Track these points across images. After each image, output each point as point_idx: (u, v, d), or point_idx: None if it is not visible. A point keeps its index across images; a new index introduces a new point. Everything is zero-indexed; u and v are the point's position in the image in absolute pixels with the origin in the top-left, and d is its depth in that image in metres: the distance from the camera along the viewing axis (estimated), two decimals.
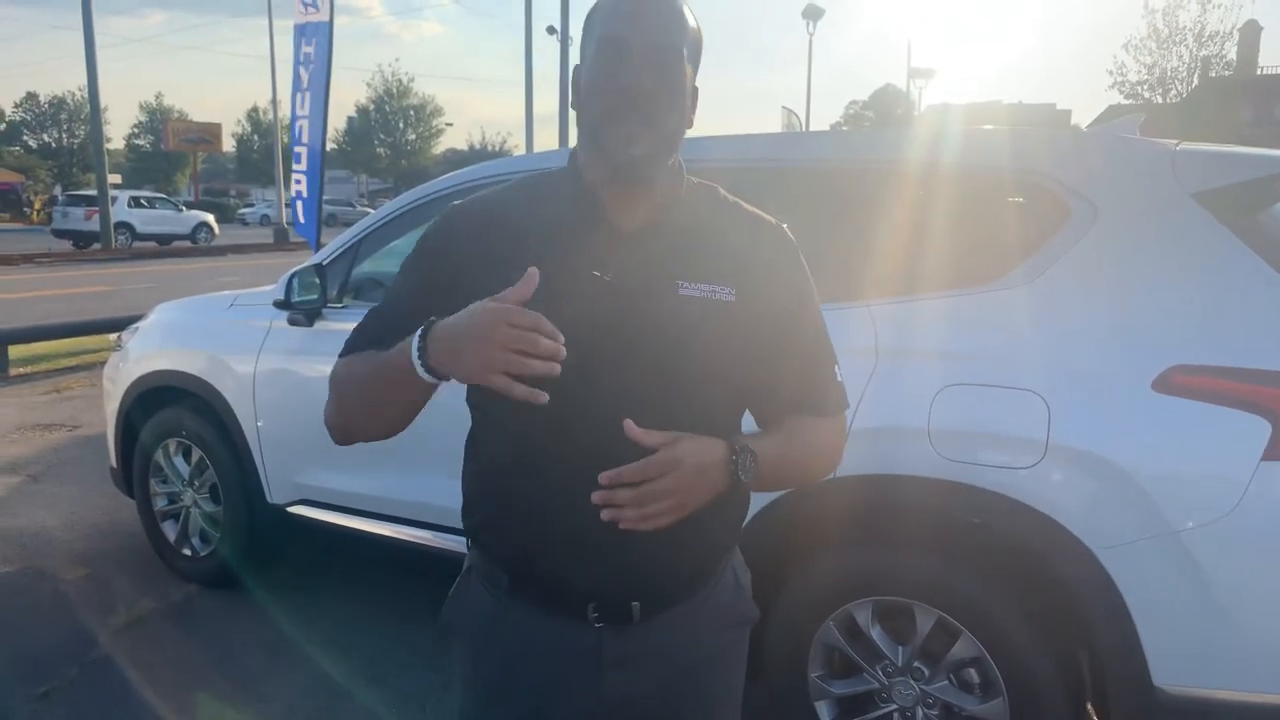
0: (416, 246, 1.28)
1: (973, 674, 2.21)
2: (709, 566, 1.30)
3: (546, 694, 1.26)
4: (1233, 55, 46.69)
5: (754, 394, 1.29)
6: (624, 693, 1.25)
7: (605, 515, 1.09)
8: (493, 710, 1.30)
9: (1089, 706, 2.21)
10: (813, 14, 32.20)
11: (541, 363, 0.99)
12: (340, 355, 1.28)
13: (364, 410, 1.23)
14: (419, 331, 1.08)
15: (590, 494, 1.09)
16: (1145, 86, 46.79)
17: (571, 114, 1.26)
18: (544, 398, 1.02)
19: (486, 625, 1.29)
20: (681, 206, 1.23)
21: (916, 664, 2.25)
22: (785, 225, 1.31)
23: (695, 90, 1.22)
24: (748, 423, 1.32)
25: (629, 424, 1.07)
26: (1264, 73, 47.27)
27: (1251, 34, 46.59)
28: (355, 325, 1.29)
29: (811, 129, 26.23)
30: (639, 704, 1.26)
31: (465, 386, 1.19)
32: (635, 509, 1.08)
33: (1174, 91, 46.00)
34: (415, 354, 1.07)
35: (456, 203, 1.29)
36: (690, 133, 1.28)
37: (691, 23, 1.19)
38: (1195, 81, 45.55)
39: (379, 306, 1.30)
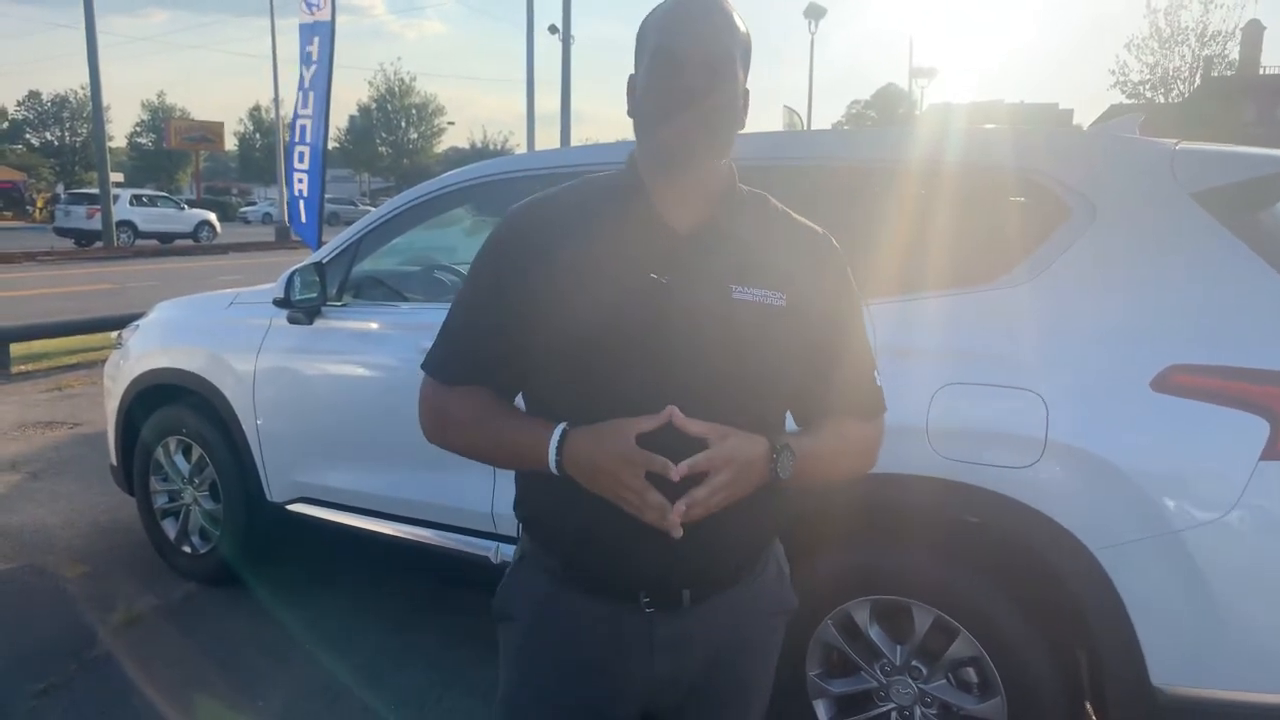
0: (484, 251, 1.32)
1: (971, 673, 2.21)
2: (755, 555, 1.36)
3: (602, 674, 1.31)
4: (1235, 55, 46.63)
5: (798, 396, 1.35)
6: (672, 671, 1.31)
7: (680, 511, 1.15)
8: (548, 691, 1.34)
9: (1087, 706, 2.21)
10: (815, 13, 32.20)
11: (657, 516, 1.15)
12: (426, 369, 1.34)
13: (482, 456, 1.34)
14: (556, 438, 1.20)
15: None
16: (1147, 86, 46.71)
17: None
18: (679, 532, 1.15)
19: (541, 610, 1.35)
20: (734, 212, 1.28)
21: (914, 663, 2.25)
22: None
23: (746, 92, 1.26)
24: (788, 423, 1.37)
25: (675, 412, 1.14)
26: (1266, 73, 47.21)
27: (1254, 34, 46.53)
28: (442, 340, 1.34)
29: (813, 128, 26.21)
30: (683, 682, 1.33)
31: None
32: (701, 505, 1.15)
33: (1176, 91, 45.93)
34: (553, 462, 1.20)
35: (517, 206, 1.33)
36: None
37: (741, 27, 1.24)
38: (1197, 81, 45.47)
39: (459, 321, 1.34)
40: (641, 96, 1.24)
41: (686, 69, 1.18)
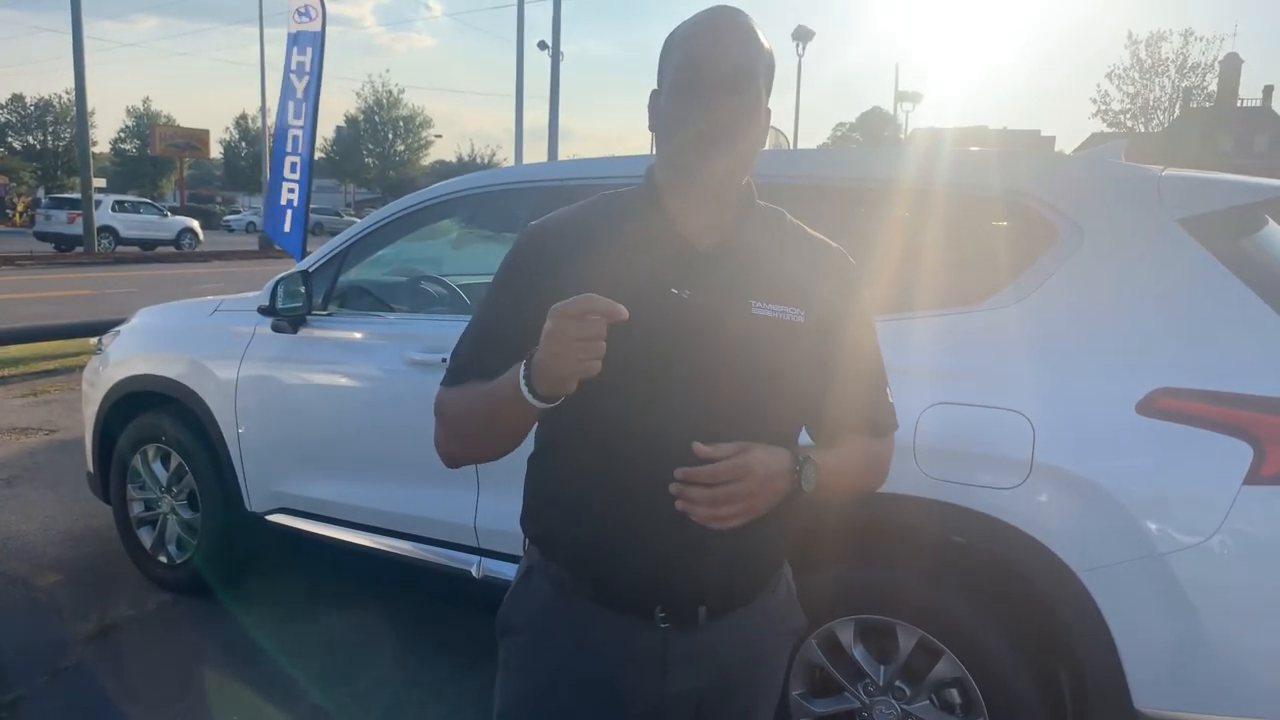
0: (503, 268, 1.32)
1: (954, 694, 2.20)
2: (771, 572, 1.36)
3: (611, 690, 1.30)
4: (1214, 87, 47.54)
5: (814, 411, 1.35)
6: (684, 689, 1.30)
7: (679, 505, 1.13)
8: (552, 706, 1.32)
9: None
10: (802, 36, 32.49)
11: (597, 352, 1.05)
12: (444, 384, 1.33)
13: (476, 436, 1.29)
14: (525, 360, 1.13)
15: (661, 503, 1.14)
16: (1128, 115, 47.53)
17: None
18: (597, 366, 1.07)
19: (550, 621, 1.33)
20: (752, 227, 1.28)
21: (898, 683, 2.25)
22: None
23: (768, 111, 1.26)
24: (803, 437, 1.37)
25: (698, 446, 1.12)
26: (1244, 104, 48.12)
27: (1232, 66, 47.45)
28: (454, 354, 1.34)
29: (800, 149, 26.34)
30: (692, 701, 1.32)
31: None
32: (707, 508, 1.13)
33: (1156, 121, 46.72)
34: (523, 383, 1.12)
35: (536, 223, 1.33)
36: None
37: (765, 45, 1.23)
38: (1177, 111, 46.27)
39: (472, 332, 1.34)
40: (665, 112, 1.24)
41: (712, 86, 1.18)
